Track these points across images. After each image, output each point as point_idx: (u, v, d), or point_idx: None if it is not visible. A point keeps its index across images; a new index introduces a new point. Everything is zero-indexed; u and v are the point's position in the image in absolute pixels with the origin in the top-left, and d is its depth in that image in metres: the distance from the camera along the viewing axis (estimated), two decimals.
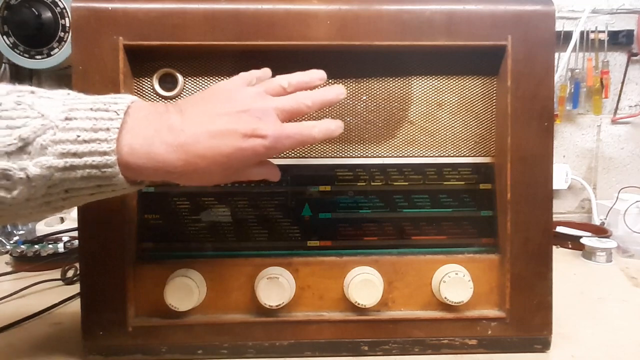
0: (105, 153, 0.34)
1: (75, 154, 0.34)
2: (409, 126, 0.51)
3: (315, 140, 0.41)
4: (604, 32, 1.01)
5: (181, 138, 0.36)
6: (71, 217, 0.92)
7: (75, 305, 0.54)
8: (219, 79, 0.49)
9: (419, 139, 0.51)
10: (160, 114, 0.37)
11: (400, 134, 0.51)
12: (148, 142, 0.35)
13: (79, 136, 0.34)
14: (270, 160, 0.43)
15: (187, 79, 0.49)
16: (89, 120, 0.34)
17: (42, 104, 0.34)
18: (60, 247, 0.77)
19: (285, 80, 0.42)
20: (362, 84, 0.50)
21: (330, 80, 0.50)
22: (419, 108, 0.51)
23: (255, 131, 0.37)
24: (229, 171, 0.39)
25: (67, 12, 0.84)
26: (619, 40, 1.02)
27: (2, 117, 0.33)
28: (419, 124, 0.51)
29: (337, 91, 0.43)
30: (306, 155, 0.50)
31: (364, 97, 0.50)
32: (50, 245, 0.77)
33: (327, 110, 0.50)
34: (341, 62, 0.50)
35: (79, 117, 0.34)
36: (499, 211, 0.50)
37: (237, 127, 0.37)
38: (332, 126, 0.42)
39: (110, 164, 0.34)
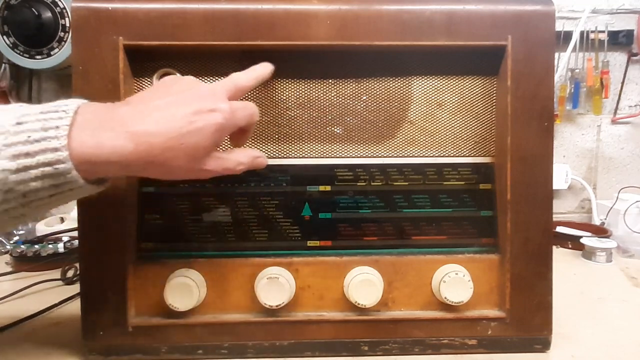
0: (56, 149, 0.34)
1: (27, 154, 0.34)
2: (409, 126, 0.51)
3: (257, 114, 0.44)
4: (604, 32, 1.01)
5: (129, 123, 0.36)
6: (71, 217, 0.92)
7: (75, 305, 0.54)
8: (219, 79, 0.49)
9: (419, 139, 0.51)
10: (108, 108, 0.38)
11: (400, 134, 0.51)
12: (97, 132, 0.36)
13: (29, 137, 0.34)
14: (250, 148, 0.45)
15: None
16: (38, 122, 0.35)
17: None
18: (60, 247, 0.77)
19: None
20: (362, 84, 0.50)
21: (330, 80, 0.50)
22: (419, 108, 0.51)
23: (206, 106, 0.38)
24: (193, 159, 0.39)
25: (67, 12, 0.84)
26: (619, 40, 1.02)
27: None
28: (419, 124, 0.51)
29: (265, 65, 0.47)
30: (306, 156, 0.50)
31: (364, 97, 0.50)
32: (50, 245, 0.77)
33: (327, 109, 0.50)
34: (341, 62, 0.50)
35: (30, 121, 0.35)
36: (499, 211, 0.50)
37: (189, 105, 0.38)
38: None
39: (62, 159, 0.34)
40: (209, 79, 0.49)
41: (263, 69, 0.46)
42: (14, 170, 0.34)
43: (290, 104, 0.50)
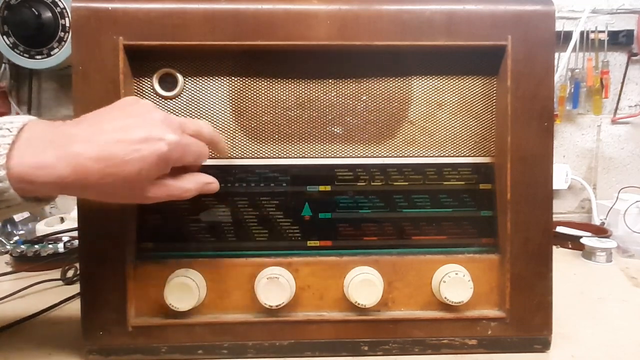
0: None
1: None
2: (409, 126, 0.51)
3: (206, 155, 0.43)
4: (604, 32, 1.01)
5: (72, 145, 0.36)
6: (71, 217, 0.92)
7: (75, 305, 0.54)
8: (219, 79, 0.50)
9: (419, 139, 0.51)
10: (56, 127, 0.37)
11: (400, 134, 0.51)
12: (38, 152, 0.35)
13: None
14: (201, 173, 0.44)
15: (187, 79, 0.49)
16: None
17: None
18: (60, 247, 0.77)
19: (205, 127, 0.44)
20: (362, 84, 0.50)
21: (330, 80, 0.50)
22: (419, 108, 0.51)
23: (155, 135, 0.37)
24: (132, 185, 0.38)
25: (67, 12, 0.85)
26: (619, 40, 1.02)
27: None
28: (419, 124, 0.51)
29: (223, 149, 0.47)
30: (306, 156, 0.50)
31: (364, 97, 0.50)
32: (50, 245, 0.77)
33: (327, 109, 0.50)
34: (341, 62, 0.50)
35: None
36: (499, 211, 0.50)
37: (138, 131, 0.37)
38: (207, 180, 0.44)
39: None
40: (209, 79, 0.49)
41: (223, 148, 0.47)
42: None
43: (290, 104, 0.50)
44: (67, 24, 0.85)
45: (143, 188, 0.39)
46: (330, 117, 0.50)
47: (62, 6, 0.84)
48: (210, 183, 0.44)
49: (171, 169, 0.41)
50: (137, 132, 0.37)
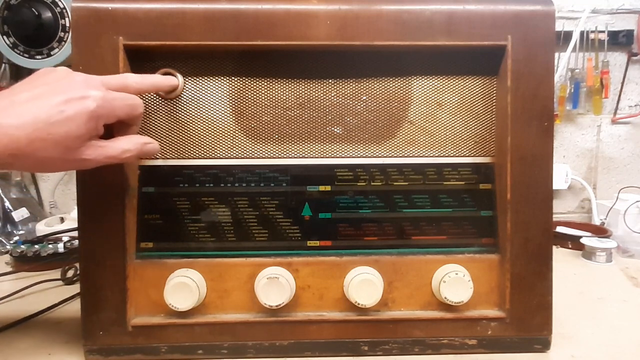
0: None
1: None
2: (409, 126, 0.51)
3: (139, 106, 0.42)
4: (604, 32, 1.01)
5: None
6: (71, 217, 0.92)
7: (75, 305, 0.54)
8: (219, 79, 0.50)
9: (419, 139, 0.51)
10: None
11: (400, 134, 0.51)
12: None
13: None
14: (138, 135, 0.43)
15: (187, 79, 0.49)
16: None
17: None
18: (60, 247, 0.77)
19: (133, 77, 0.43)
20: (362, 84, 0.50)
21: (330, 80, 0.50)
22: (419, 108, 0.51)
23: (76, 94, 0.37)
24: (66, 149, 0.38)
25: (67, 12, 0.85)
26: (619, 40, 1.02)
27: None
28: (419, 124, 0.51)
29: (170, 79, 0.47)
30: (306, 156, 0.50)
31: (364, 97, 0.50)
32: (50, 245, 0.77)
33: (327, 109, 0.50)
34: (341, 62, 0.50)
35: None
36: (499, 211, 0.50)
37: (59, 94, 0.37)
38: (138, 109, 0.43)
39: None
40: (209, 79, 0.49)
41: (164, 80, 0.47)
42: None
43: (290, 104, 0.50)
44: (67, 24, 0.85)
45: (77, 151, 0.38)
46: (330, 117, 0.50)
47: (62, 6, 0.84)
48: (149, 143, 0.44)
49: (107, 132, 0.41)
50: (58, 95, 0.37)
